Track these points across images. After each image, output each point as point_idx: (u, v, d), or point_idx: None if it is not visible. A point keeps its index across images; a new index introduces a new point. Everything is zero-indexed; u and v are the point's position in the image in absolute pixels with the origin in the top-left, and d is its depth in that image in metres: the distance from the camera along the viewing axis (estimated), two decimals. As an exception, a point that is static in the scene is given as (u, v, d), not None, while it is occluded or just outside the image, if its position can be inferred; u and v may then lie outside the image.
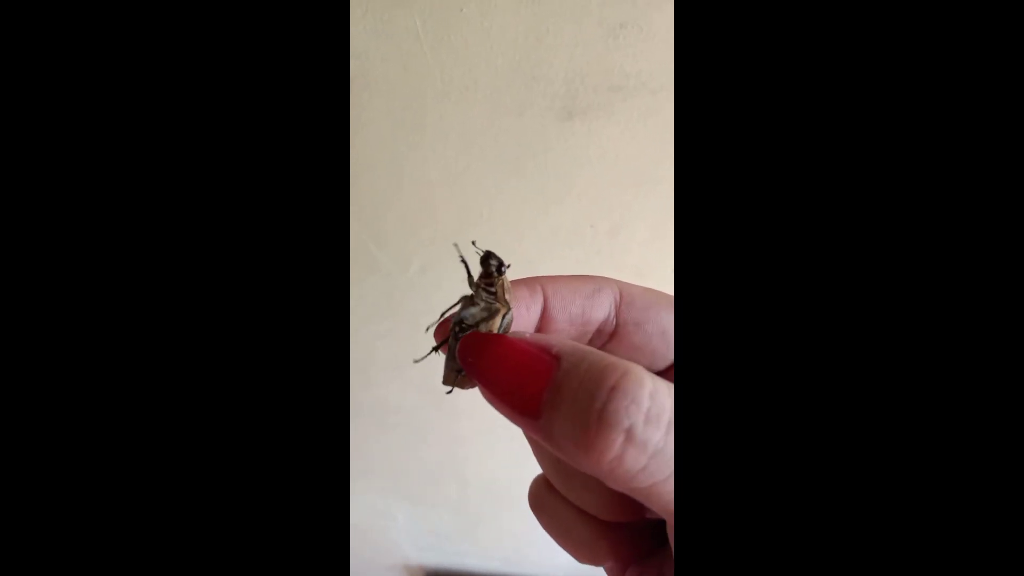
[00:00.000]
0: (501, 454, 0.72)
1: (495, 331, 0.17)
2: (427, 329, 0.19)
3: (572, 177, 0.44)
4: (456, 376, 0.18)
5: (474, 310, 0.17)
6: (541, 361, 0.14)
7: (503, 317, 0.17)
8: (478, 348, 0.16)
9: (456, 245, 0.18)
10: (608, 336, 0.18)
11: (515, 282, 0.18)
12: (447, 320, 0.18)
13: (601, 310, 0.18)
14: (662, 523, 0.18)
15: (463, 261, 0.18)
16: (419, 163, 0.44)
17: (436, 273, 0.52)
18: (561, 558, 0.90)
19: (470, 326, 0.17)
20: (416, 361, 0.18)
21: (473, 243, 0.18)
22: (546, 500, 0.19)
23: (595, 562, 0.18)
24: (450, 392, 0.18)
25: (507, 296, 0.17)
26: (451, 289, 0.58)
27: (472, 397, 0.60)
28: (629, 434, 0.13)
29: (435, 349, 0.18)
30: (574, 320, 0.18)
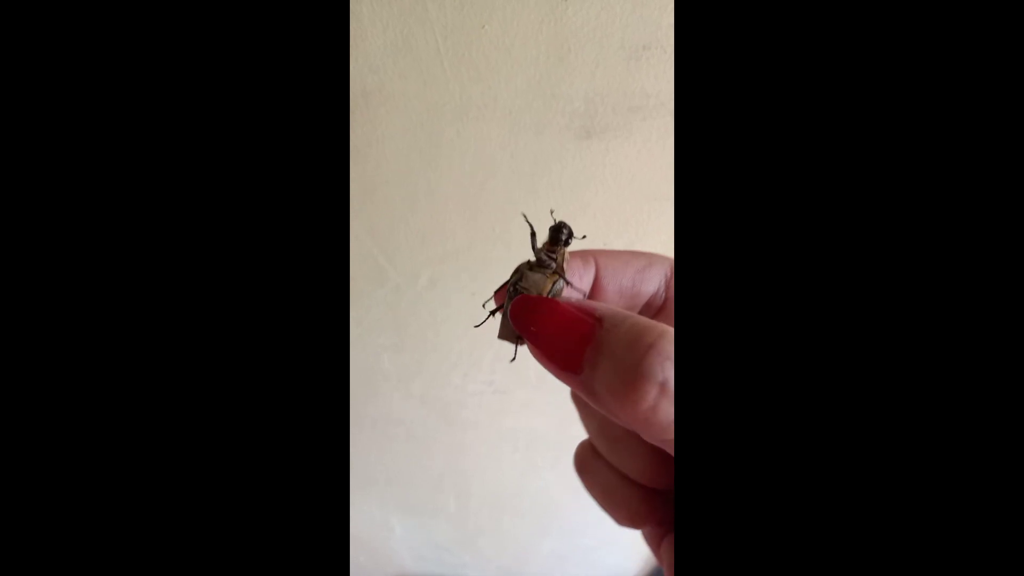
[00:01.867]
0: (502, 466, 0.72)
1: (545, 295, 0.18)
2: (483, 304, 0.21)
3: (587, 194, 0.44)
4: (507, 332, 0.19)
5: (530, 274, 0.19)
6: (585, 322, 0.16)
7: (553, 284, 0.19)
8: (528, 308, 0.17)
9: (524, 215, 0.20)
10: (657, 310, 0.19)
11: (571, 254, 0.19)
12: (504, 287, 0.20)
13: (651, 284, 0.19)
14: None
15: (531, 228, 0.20)
16: (434, 179, 0.44)
17: (444, 288, 0.52)
18: (559, 571, 0.89)
19: (524, 288, 0.19)
20: (476, 326, 0.20)
21: (552, 212, 0.20)
22: (590, 463, 0.20)
23: (635, 524, 0.19)
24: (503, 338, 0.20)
25: (564, 265, 0.19)
26: (459, 305, 0.58)
27: (475, 410, 0.59)
28: (663, 387, 0.14)
29: (492, 313, 0.20)
30: (624, 292, 0.19)
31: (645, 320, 0.15)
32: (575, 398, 0.20)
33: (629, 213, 0.45)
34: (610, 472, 0.19)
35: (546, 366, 0.16)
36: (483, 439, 0.68)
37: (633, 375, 0.14)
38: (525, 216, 0.20)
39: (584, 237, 0.19)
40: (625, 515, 0.19)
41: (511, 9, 0.35)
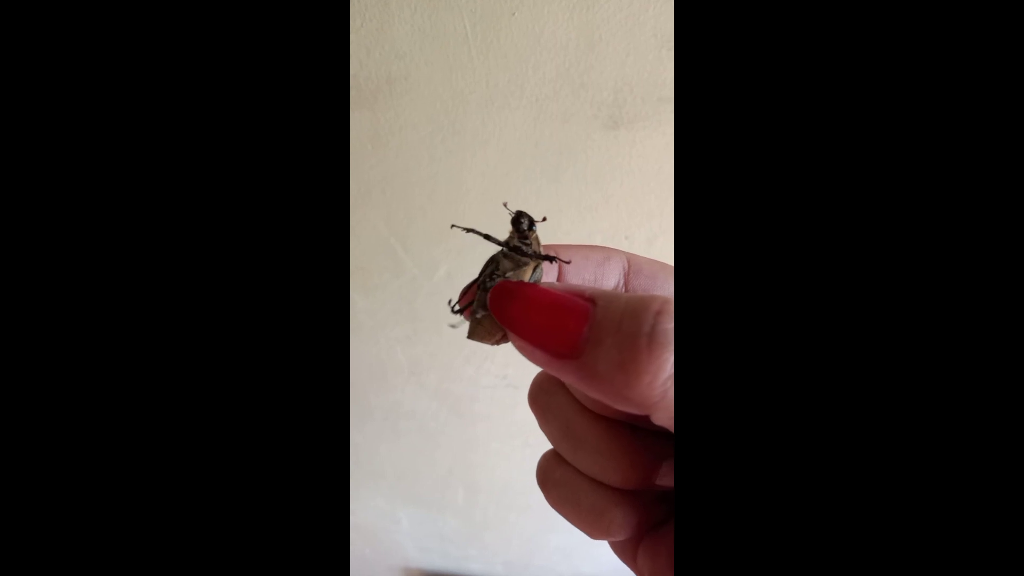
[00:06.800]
0: (511, 461, 0.72)
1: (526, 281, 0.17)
2: (449, 302, 0.19)
3: (612, 185, 0.43)
4: (482, 329, 0.18)
5: (506, 263, 0.18)
6: (576, 303, 0.15)
7: (534, 270, 0.17)
8: (510, 294, 0.16)
9: (455, 226, 0.19)
10: None
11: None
12: (474, 284, 0.18)
13: (612, 277, 0.19)
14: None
15: (483, 235, 0.19)
16: (456, 168, 0.43)
17: (462, 280, 0.51)
18: (565, 565, 0.90)
19: (501, 277, 0.17)
20: (452, 326, 0.19)
21: (505, 204, 0.19)
22: (555, 472, 0.19)
23: (607, 534, 0.18)
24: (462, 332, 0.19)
25: (540, 249, 0.18)
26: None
27: (487, 403, 0.58)
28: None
29: (463, 309, 0.18)
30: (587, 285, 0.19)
31: (640, 294, 0.14)
32: (533, 402, 0.19)
33: (653, 205, 0.44)
34: (577, 478, 0.18)
35: (534, 356, 0.15)
36: (494, 433, 0.68)
37: (648, 343, 0.13)
38: (456, 225, 0.19)
39: (544, 219, 0.18)
40: (598, 523, 0.18)
41: (542, -5, 0.34)
